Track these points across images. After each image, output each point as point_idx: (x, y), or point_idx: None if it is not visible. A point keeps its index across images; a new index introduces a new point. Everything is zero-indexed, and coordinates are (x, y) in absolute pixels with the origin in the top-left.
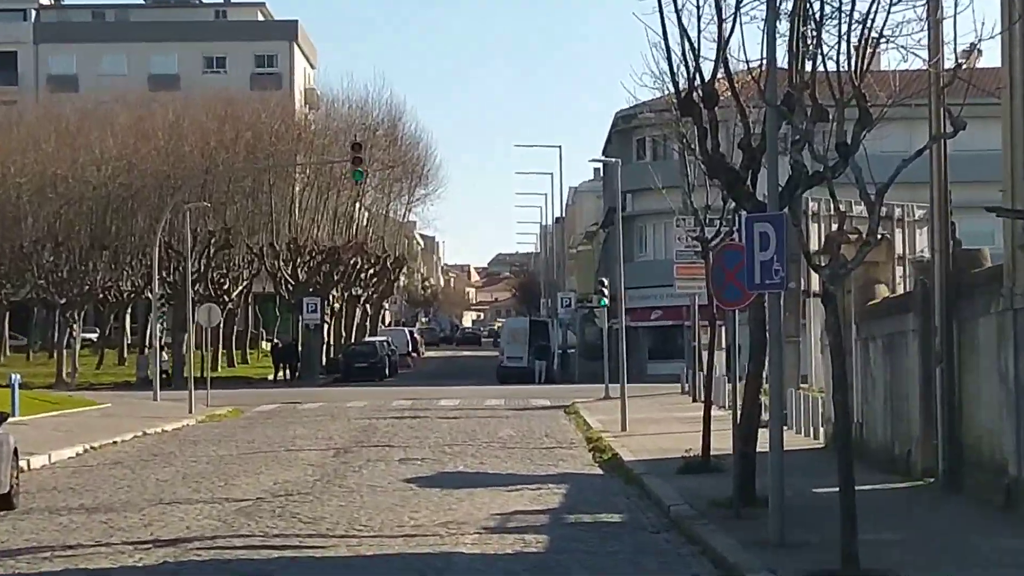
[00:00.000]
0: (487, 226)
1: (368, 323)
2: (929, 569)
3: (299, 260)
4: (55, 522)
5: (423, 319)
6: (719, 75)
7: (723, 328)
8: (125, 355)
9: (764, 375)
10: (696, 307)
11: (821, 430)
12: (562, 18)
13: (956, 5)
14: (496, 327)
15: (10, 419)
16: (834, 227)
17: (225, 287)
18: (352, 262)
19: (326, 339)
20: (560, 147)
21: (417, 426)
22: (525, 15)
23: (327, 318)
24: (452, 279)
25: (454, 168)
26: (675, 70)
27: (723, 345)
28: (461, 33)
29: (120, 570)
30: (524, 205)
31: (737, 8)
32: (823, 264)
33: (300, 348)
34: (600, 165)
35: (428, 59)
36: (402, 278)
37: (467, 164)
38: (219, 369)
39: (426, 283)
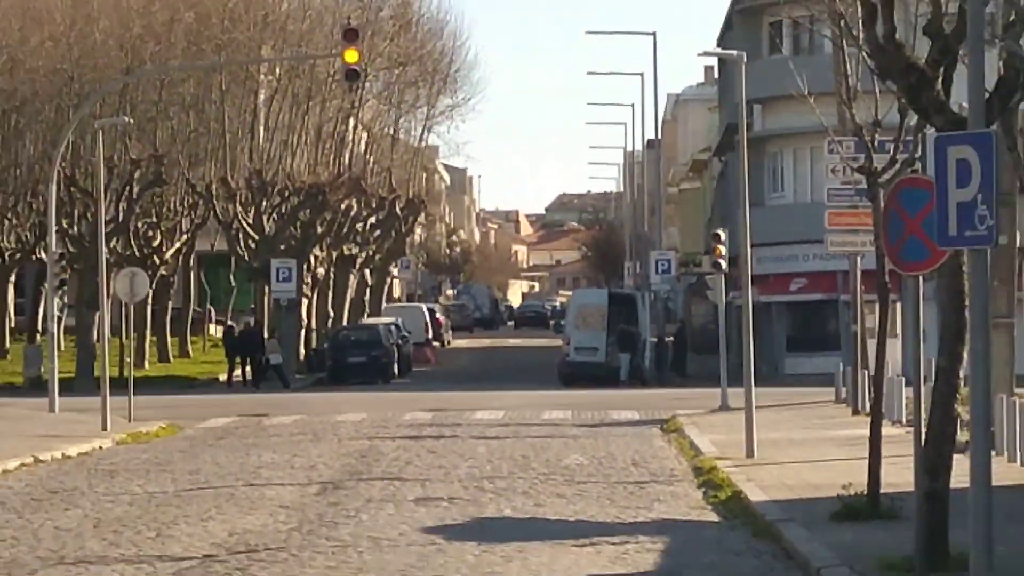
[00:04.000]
0: (544, 155)
1: (368, 298)
2: None
3: (265, 204)
4: None
5: (450, 292)
6: None
7: (899, 304)
8: (7, 344)
9: (961, 375)
10: (858, 274)
11: None
12: None
13: None
14: (559, 304)
15: None
16: None
17: (156, 244)
18: (344, 207)
19: (306, 321)
20: (654, 36)
21: (441, 450)
22: None
23: (307, 290)
24: (493, 233)
25: (496, 70)
26: None
27: (899, 330)
28: None
29: None
30: (600, 123)
31: None
32: None
33: (267, 335)
34: (714, 62)
35: None
36: (418, 230)
37: (516, 63)
38: (147, 366)
39: (454, 238)
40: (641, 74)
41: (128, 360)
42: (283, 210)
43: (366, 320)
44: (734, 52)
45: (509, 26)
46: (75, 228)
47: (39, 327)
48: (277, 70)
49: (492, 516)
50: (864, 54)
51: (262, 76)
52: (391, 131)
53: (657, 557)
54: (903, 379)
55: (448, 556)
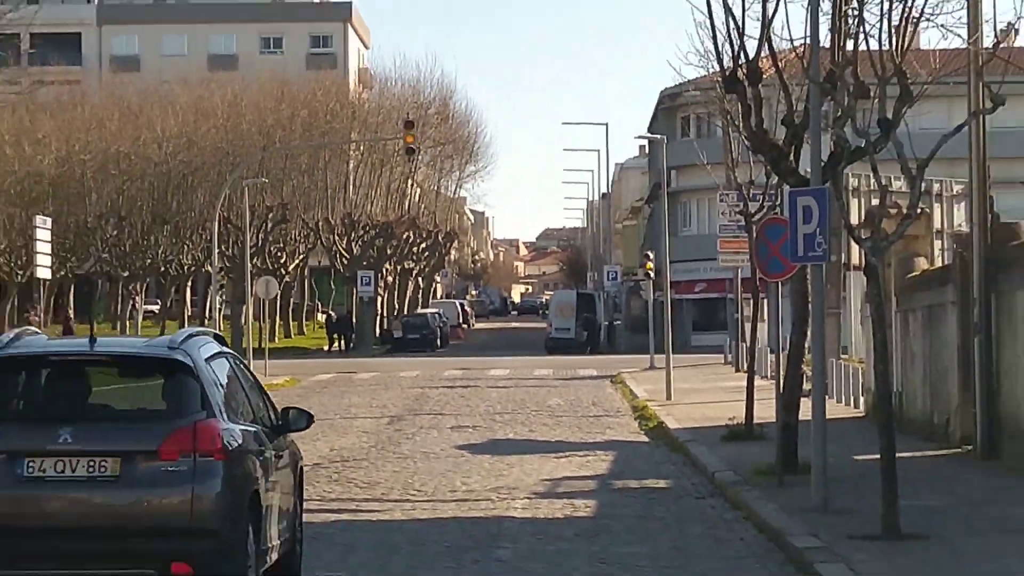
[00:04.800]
0: (535, 202)
1: (420, 296)
2: (968, 535)
3: (353, 235)
4: None
5: (473, 292)
6: (763, 53)
7: (766, 300)
8: (185, 326)
9: (806, 346)
10: (739, 280)
11: (861, 399)
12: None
13: None
14: (544, 300)
15: None
16: (875, 201)
17: (282, 261)
18: (404, 237)
19: (379, 311)
20: (606, 125)
21: (468, 395)
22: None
23: (380, 291)
24: (501, 253)
25: (503, 145)
26: (720, 48)
27: (765, 317)
28: (510, 12)
29: None
30: (571, 182)
31: (780, 5)
32: (864, 237)
33: (354, 320)
34: (645, 142)
35: (478, 39)
36: (453, 252)
37: (516, 142)
38: (276, 340)
39: (476, 257)
40: (598, 150)
41: (264, 336)
42: (365, 239)
43: (419, 310)
44: (658, 136)
45: (515, 118)
46: (229, 251)
47: (206, 315)
48: (361, 147)
49: (501, 438)
50: (743, 137)
51: (351, 151)
52: (436, 187)
53: (609, 464)
54: (768, 348)
55: (472, 464)
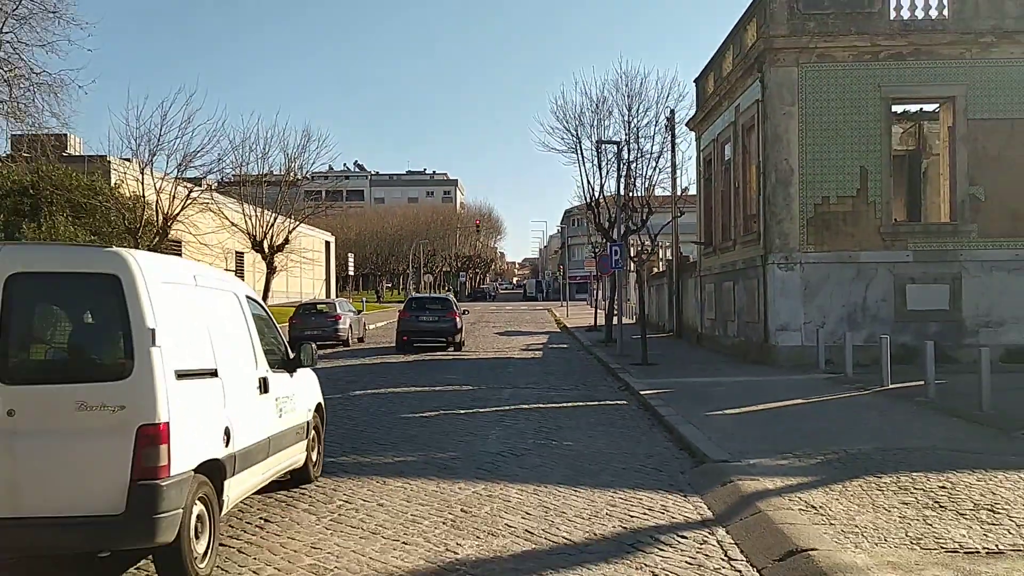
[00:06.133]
0: (521, 245)
1: (479, 282)
2: (673, 364)
3: (458, 262)
4: (377, 350)
5: (499, 280)
6: (602, 197)
7: (601, 282)
8: (404, 298)
9: (615, 299)
10: (592, 276)
11: (635, 317)
12: (552, 174)
13: (681, 173)
14: (525, 283)
15: (362, 311)
16: (639, 247)
17: (434, 270)
18: (476, 261)
19: (468, 287)
20: (546, 221)
21: (498, 315)
22: (539, 172)
23: (468, 281)
24: (508, 266)
25: (509, 223)
26: (586, 195)
27: (602, 288)
28: (522, 169)
29: (397, 364)
30: (535, 239)
31: (606, 180)
32: (635, 260)
33: (459, 290)
34: (560, 227)
35: (505, 181)
36: (492, 267)
37: (514, 222)
38: None
39: (500, 269)
40: (543, 229)
41: None
42: (461, 262)
43: (480, 287)
44: (564, 226)
45: (514, 212)
46: (410, 268)
47: (410, 290)
48: (459, 230)
49: (509, 330)
50: (595, 226)
51: (457, 231)
52: (487, 244)
53: (547, 339)
54: (603, 299)
55: (500, 340)
